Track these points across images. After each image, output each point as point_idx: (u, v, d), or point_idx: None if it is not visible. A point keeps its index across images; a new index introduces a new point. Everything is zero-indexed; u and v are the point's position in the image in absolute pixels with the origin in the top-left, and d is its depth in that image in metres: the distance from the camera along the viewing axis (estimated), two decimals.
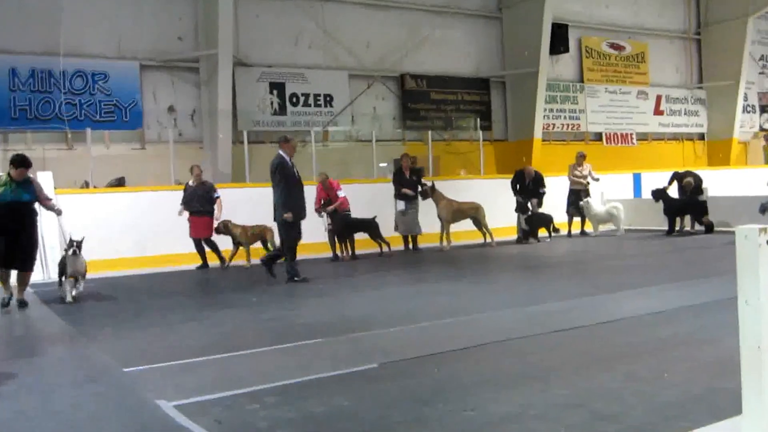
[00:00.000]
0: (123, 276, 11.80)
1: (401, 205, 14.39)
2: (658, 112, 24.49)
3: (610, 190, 17.51)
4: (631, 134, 23.75)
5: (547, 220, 15.35)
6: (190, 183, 12.95)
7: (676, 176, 16.03)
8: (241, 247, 12.76)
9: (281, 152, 10.47)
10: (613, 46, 23.44)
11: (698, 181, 15.82)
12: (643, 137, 24.06)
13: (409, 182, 14.41)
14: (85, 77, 15.29)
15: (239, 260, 12.76)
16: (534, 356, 5.42)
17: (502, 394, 4.47)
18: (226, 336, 6.72)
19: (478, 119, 20.27)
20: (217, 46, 15.62)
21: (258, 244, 12.90)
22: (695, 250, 12.83)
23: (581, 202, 16.07)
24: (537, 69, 20.15)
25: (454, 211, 14.44)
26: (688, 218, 15.82)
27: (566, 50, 21.48)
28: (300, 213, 10.41)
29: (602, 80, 23.18)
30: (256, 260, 11.93)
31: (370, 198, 15.05)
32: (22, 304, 8.83)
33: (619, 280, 9.48)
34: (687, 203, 15.52)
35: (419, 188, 14.38)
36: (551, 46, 20.45)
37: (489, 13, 21.00)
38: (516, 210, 15.28)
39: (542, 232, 15.37)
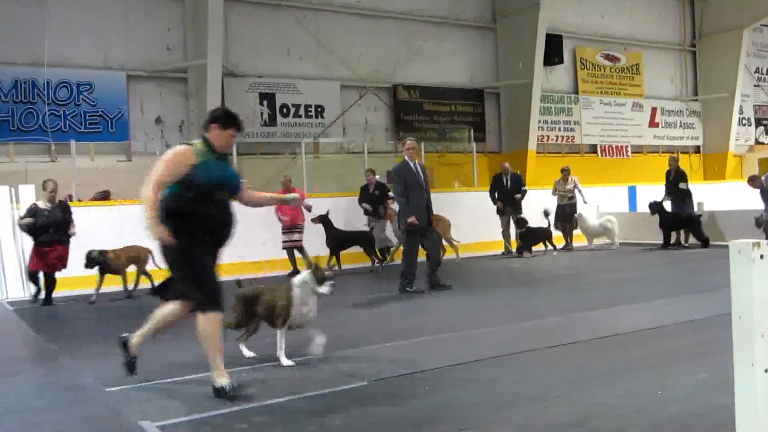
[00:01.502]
0: (107, 292, 11.48)
1: (365, 220, 14.07)
2: (653, 124, 24.40)
3: (605, 203, 17.29)
4: (626, 147, 23.61)
5: (546, 234, 15.10)
6: (41, 205, 10.54)
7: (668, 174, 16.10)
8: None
9: (405, 156, 10.24)
10: (607, 57, 23.34)
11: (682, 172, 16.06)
12: (638, 150, 23.95)
13: (370, 197, 13.97)
14: (70, 88, 15.03)
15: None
16: (532, 373, 5.30)
17: (501, 413, 4.35)
18: None
19: (472, 130, 20.08)
20: (206, 56, 15.44)
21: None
22: (692, 264, 12.66)
23: (575, 215, 15.91)
24: (531, 80, 20.07)
25: None
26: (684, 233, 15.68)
27: (561, 61, 21.40)
28: (422, 218, 10.02)
29: (597, 92, 23.06)
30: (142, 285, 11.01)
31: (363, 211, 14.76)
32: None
33: (616, 294, 9.35)
34: (682, 217, 15.40)
35: (386, 202, 13.83)
36: (546, 57, 20.39)
37: (483, 24, 20.88)
38: (498, 213, 15.23)
39: (537, 247, 15.12)
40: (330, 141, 18.25)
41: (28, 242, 11.49)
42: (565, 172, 16.39)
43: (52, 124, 14.75)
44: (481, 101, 20.85)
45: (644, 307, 8.04)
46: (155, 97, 16.20)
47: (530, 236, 14.90)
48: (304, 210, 12.39)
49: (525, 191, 15.29)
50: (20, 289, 11.73)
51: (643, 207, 16.91)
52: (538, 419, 4.18)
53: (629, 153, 23.62)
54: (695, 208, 15.60)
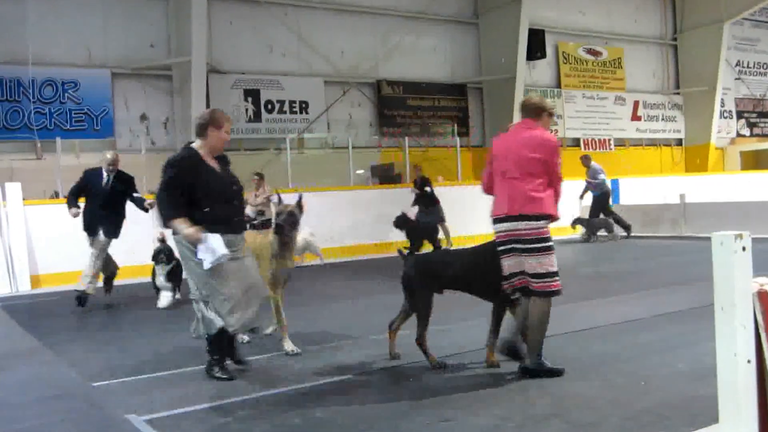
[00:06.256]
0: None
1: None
2: (635, 117, 24.60)
3: (588, 196, 17.36)
4: (609, 140, 23.81)
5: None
6: None
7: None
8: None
9: None
10: (589, 51, 23.53)
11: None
12: (620, 143, 24.16)
13: None
14: (55, 86, 15.10)
15: None
16: (510, 365, 5.31)
17: (480, 405, 4.41)
18: (198, 348, 6.45)
19: (456, 125, 20.21)
20: (190, 53, 15.50)
21: None
22: (671, 257, 12.80)
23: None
24: (514, 75, 20.20)
25: None
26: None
27: (543, 56, 21.53)
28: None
29: (579, 86, 23.23)
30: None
31: (347, 206, 14.89)
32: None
33: (594, 288, 9.33)
34: (424, 228, 14.08)
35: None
36: (528, 51, 20.53)
37: (465, 19, 21.02)
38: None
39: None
40: (314, 136, 18.35)
41: (19, 238, 11.59)
42: (257, 178, 13.50)
43: (37, 122, 14.82)
44: (464, 96, 21.00)
45: (621, 300, 8.07)
46: (140, 94, 16.26)
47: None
48: None
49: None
50: (6, 285, 11.79)
51: (626, 200, 17.17)
52: (516, 411, 4.24)
53: (612, 146, 23.83)
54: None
